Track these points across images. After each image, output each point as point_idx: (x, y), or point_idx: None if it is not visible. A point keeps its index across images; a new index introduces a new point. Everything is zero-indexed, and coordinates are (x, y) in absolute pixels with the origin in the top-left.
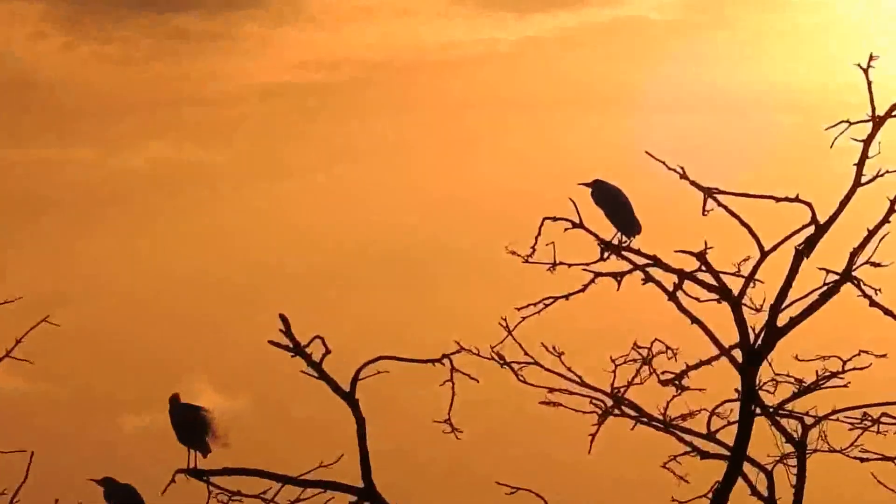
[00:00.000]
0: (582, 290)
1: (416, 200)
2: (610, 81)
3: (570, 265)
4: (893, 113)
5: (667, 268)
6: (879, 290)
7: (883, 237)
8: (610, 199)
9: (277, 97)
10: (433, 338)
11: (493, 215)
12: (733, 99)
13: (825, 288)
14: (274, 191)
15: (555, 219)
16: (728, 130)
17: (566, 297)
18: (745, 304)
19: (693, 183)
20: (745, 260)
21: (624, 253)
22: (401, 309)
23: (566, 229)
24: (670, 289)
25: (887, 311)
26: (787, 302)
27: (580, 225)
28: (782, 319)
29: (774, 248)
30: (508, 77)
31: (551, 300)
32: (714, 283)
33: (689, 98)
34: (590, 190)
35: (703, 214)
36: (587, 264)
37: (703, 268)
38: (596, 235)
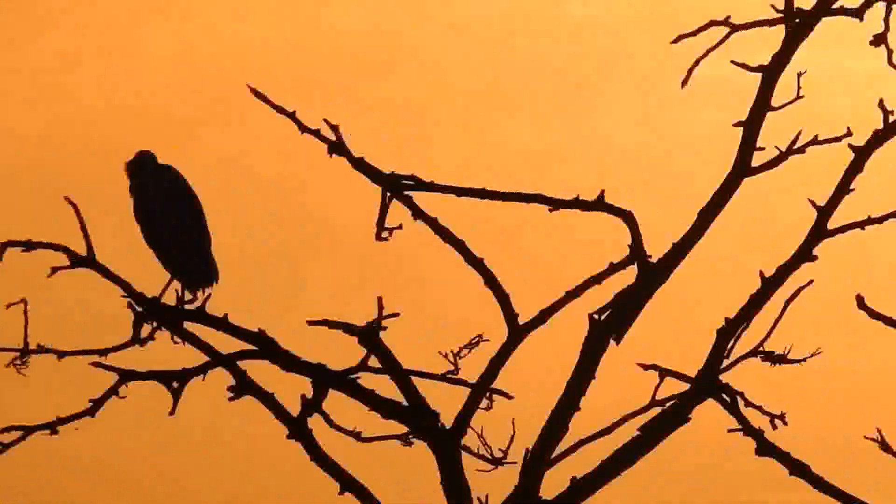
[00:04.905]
0: None
1: None
2: None
3: None
4: None
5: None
6: None
7: None
8: (145, 194)
9: None
10: None
11: None
12: None
13: None
14: None
15: (26, 245)
16: None
17: None
18: None
19: None
20: None
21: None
22: None
23: (54, 271)
24: None
25: None
26: None
27: (87, 260)
28: None
29: None
30: None
31: None
32: None
33: None
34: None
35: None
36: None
37: None
38: (122, 284)
